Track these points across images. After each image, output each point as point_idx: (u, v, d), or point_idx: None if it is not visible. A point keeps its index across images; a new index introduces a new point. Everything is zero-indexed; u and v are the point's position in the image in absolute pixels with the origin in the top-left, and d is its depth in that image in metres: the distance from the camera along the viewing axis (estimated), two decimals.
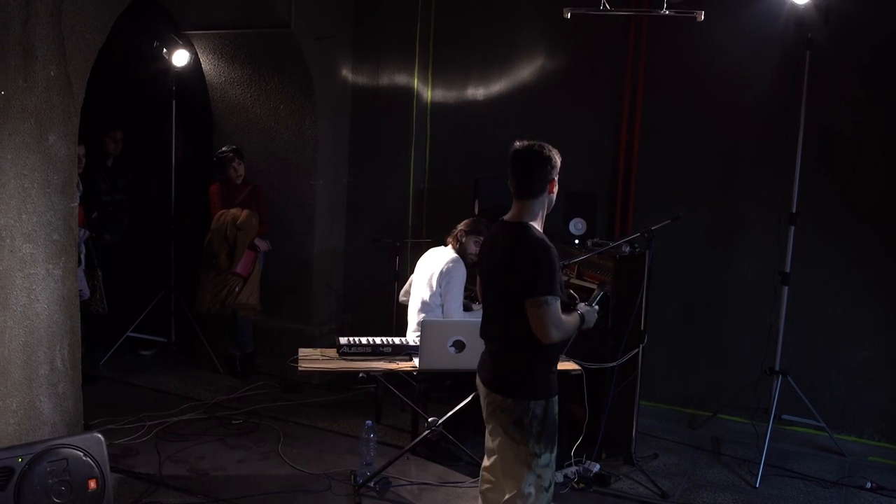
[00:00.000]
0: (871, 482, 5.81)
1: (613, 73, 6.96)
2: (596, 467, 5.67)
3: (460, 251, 6.00)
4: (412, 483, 5.50)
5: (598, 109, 7.06)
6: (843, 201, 6.32)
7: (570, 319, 3.78)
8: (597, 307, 3.99)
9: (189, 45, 7.68)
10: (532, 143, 3.83)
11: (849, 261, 6.34)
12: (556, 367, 3.91)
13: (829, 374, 6.43)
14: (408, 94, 7.69)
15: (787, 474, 5.90)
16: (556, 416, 3.83)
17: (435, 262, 6.00)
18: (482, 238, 6.02)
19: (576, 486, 5.57)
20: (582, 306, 3.94)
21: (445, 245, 6.10)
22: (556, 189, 3.90)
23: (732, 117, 6.63)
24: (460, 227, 6.06)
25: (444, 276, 5.89)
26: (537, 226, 3.82)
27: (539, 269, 3.64)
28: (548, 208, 3.90)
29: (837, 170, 6.35)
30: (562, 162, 3.63)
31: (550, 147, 3.83)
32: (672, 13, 5.71)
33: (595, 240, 6.10)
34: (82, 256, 6.50)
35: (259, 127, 7.72)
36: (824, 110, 6.22)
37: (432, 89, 7.63)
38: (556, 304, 3.63)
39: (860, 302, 6.35)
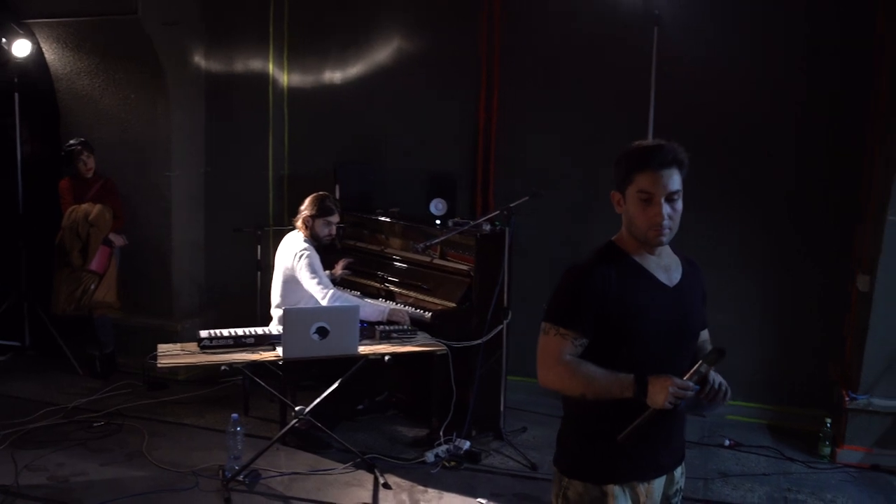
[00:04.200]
0: (729, 440, 6.06)
1: (469, 52, 6.97)
2: (466, 445, 5.71)
3: (312, 236, 5.92)
4: (282, 474, 5.45)
5: (456, 89, 7.07)
6: (699, 173, 6.43)
7: (593, 373, 2.66)
8: (686, 382, 2.60)
9: (30, 34, 7.34)
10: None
11: (708, 232, 6.50)
12: (635, 444, 2.67)
13: None
14: (264, 79, 7.55)
15: None
16: None
17: (286, 254, 5.91)
18: (332, 218, 5.94)
19: (447, 464, 5.60)
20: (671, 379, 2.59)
21: (297, 230, 6.01)
22: (626, 204, 2.79)
23: (591, 92, 6.71)
24: (305, 211, 5.94)
25: (298, 269, 5.81)
26: (623, 245, 2.84)
27: (557, 290, 2.83)
28: (630, 228, 2.81)
29: (693, 142, 6.42)
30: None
31: (639, 146, 2.82)
32: None
33: (456, 219, 6.11)
34: None
35: (109, 118, 7.45)
36: (675, 86, 6.36)
37: (289, 74, 7.51)
38: (556, 338, 2.71)
39: (720, 271, 6.52)
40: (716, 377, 2.72)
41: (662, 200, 2.72)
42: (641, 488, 2.79)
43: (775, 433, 6.39)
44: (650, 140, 2.79)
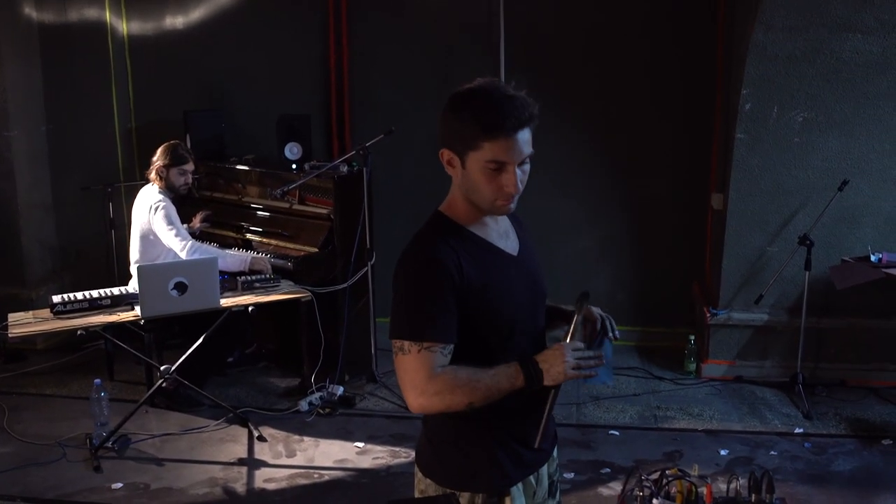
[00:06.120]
0: None
1: None
2: (340, 390, 5.69)
3: (168, 188, 5.72)
4: (153, 436, 5.33)
5: (305, 29, 6.87)
6: (556, 100, 6.47)
7: (473, 377, 2.26)
8: (575, 343, 2.34)
9: None
10: (468, 84, 2.31)
11: (566, 160, 6.56)
12: (516, 445, 2.44)
13: (554, 263, 6.67)
14: (101, 28, 7.15)
15: None
16: None
17: (142, 209, 5.70)
18: (187, 167, 5.77)
19: (322, 411, 5.58)
20: (553, 352, 2.29)
21: (151, 182, 5.79)
22: (467, 170, 2.30)
23: (440, 25, 6.64)
24: (157, 162, 5.73)
25: (154, 223, 5.61)
26: (456, 215, 2.40)
27: (401, 294, 2.33)
28: (470, 195, 2.34)
29: (546, 70, 6.50)
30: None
31: (488, 103, 2.23)
32: None
33: (313, 162, 5.98)
34: None
35: None
36: (526, 10, 6.36)
37: (128, 21, 7.14)
38: (421, 355, 2.25)
39: (578, 198, 6.65)
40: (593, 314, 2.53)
41: (516, 168, 2.27)
42: (532, 479, 2.53)
43: (643, 354, 6.59)
44: (494, 86, 2.27)
